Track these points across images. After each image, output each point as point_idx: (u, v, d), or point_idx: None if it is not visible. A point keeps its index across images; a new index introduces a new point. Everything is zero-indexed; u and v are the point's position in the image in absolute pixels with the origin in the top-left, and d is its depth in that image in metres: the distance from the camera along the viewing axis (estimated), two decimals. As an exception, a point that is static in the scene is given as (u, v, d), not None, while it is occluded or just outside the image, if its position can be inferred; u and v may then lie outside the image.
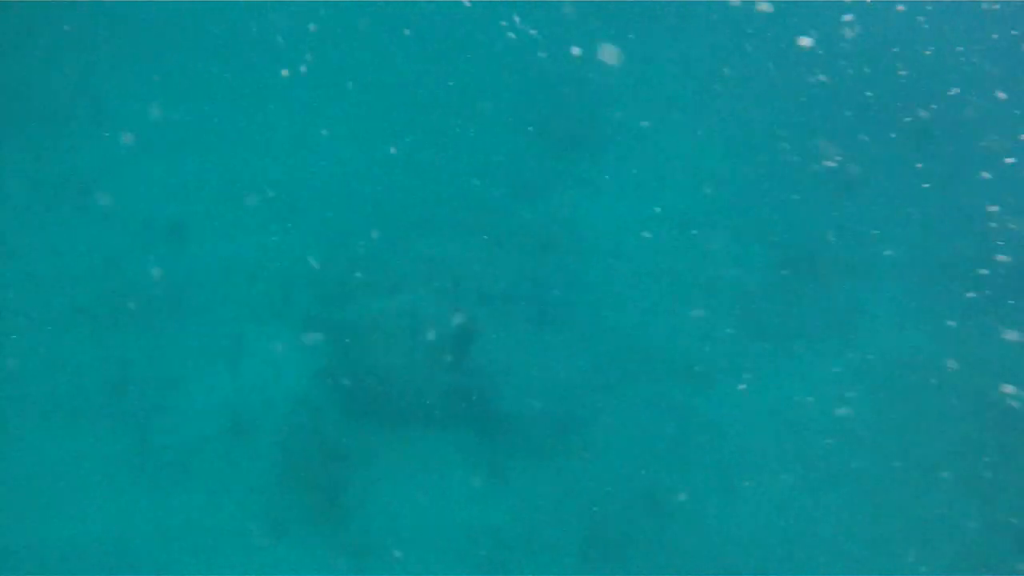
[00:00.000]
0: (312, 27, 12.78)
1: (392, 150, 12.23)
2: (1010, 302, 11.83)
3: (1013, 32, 13.02)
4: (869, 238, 11.92)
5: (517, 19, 12.68)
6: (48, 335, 11.47)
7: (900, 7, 13.09)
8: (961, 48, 13.04)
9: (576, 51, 12.53)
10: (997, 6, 13.11)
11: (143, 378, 11.42)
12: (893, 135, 12.72)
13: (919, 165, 12.59)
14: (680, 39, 12.26)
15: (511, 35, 12.58)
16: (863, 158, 12.33)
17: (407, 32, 12.63)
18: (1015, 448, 11.13)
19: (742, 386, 11.37)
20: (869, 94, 12.70)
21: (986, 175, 12.55)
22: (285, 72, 12.73)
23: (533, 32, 12.55)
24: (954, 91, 12.98)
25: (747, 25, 12.63)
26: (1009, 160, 12.56)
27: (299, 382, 11.44)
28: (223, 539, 10.81)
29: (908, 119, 12.81)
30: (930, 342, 11.77)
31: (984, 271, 12.01)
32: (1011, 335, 11.61)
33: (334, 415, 11.30)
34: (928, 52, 13.07)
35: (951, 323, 11.87)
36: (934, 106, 12.85)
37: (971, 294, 11.94)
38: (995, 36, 13.17)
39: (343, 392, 11.40)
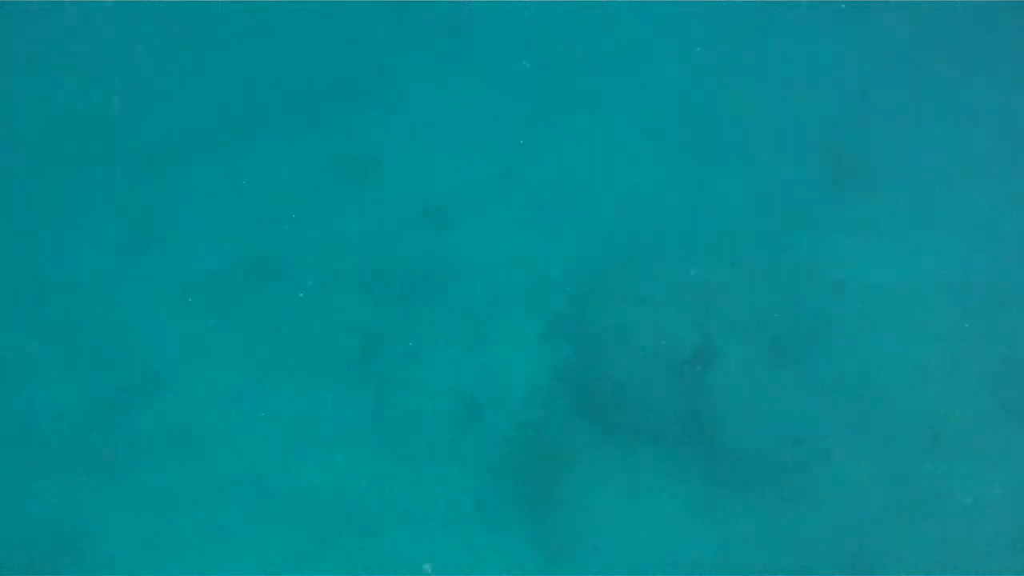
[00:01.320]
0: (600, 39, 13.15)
1: (666, 167, 12.39)
2: None
3: None
4: None
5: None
6: (312, 296, 12.25)
7: None
8: None
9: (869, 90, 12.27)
10: None
11: (390, 349, 11.93)
12: None
13: None
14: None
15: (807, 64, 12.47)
16: None
17: (698, 50, 12.81)
18: None
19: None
20: None
21: None
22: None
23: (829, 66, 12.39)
24: None
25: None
26: None
27: (536, 377, 11.61)
28: (431, 510, 11.07)
29: None
30: None
31: None
32: None
33: (563, 414, 11.38)
34: None
35: None
36: None
37: None
38: None
39: (576, 394, 11.46)
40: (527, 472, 11.18)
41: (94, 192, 12.97)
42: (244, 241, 12.65)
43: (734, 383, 11.27)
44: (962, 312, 11.43)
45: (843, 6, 13.19)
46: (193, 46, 14.36)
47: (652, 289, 11.76)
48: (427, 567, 10.56)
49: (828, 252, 11.79)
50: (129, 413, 11.52)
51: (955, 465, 10.85)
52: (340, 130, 13.40)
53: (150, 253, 12.51)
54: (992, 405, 11.00)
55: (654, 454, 11.15)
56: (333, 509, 11.14)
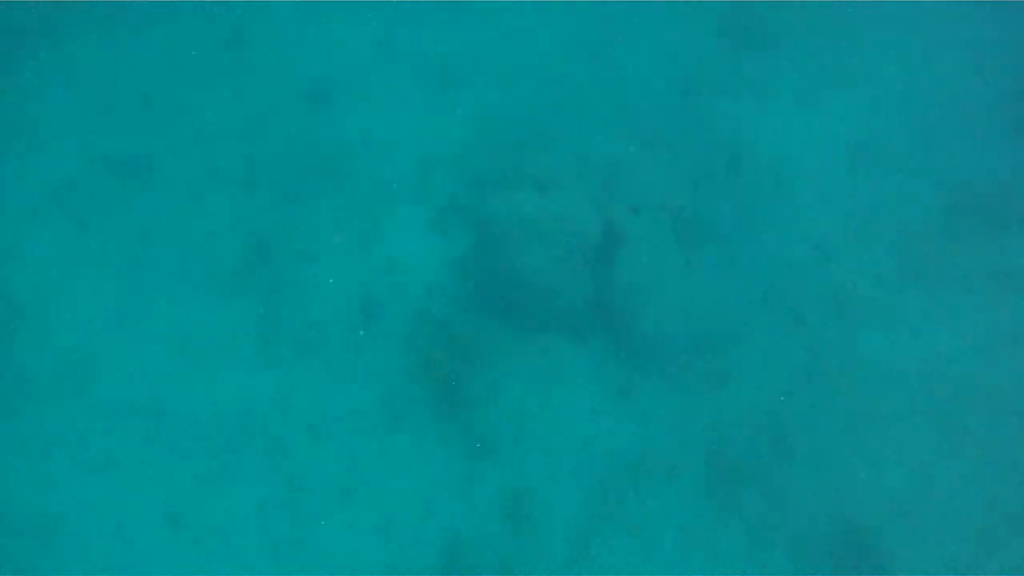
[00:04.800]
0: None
1: (562, 36, 11.49)
2: None
3: None
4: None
5: None
6: (187, 197, 11.22)
7: None
8: None
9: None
10: None
11: (276, 251, 11.14)
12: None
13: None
14: None
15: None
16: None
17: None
18: None
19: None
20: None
21: None
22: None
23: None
24: None
25: None
26: None
27: (436, 271, 11.11)
28: (338, 420, 10.64)
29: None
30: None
31: None
32: None
33: (468, 308, 10.97)
34: None
35: None
36: None
37: None
38: None
39: (480, 287, 11.02)
40: (436, 371, 10.82)
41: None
42: (105, 138, 11.36)
43: (641, 266, 10.82)
44: (862, 177, 11.09)
45: None
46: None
47: (551, 171, 11.06)
48: None
49: (729, 119, 11.17)
50: (-3, 348, 10.60)
51: (861, 331, 11.00)
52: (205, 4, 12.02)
53: (-4, 161, 11.24)
54: (892, 270, 11.06)
55: (565, 344, 10.96)
56: (236, 429, 10.63)
